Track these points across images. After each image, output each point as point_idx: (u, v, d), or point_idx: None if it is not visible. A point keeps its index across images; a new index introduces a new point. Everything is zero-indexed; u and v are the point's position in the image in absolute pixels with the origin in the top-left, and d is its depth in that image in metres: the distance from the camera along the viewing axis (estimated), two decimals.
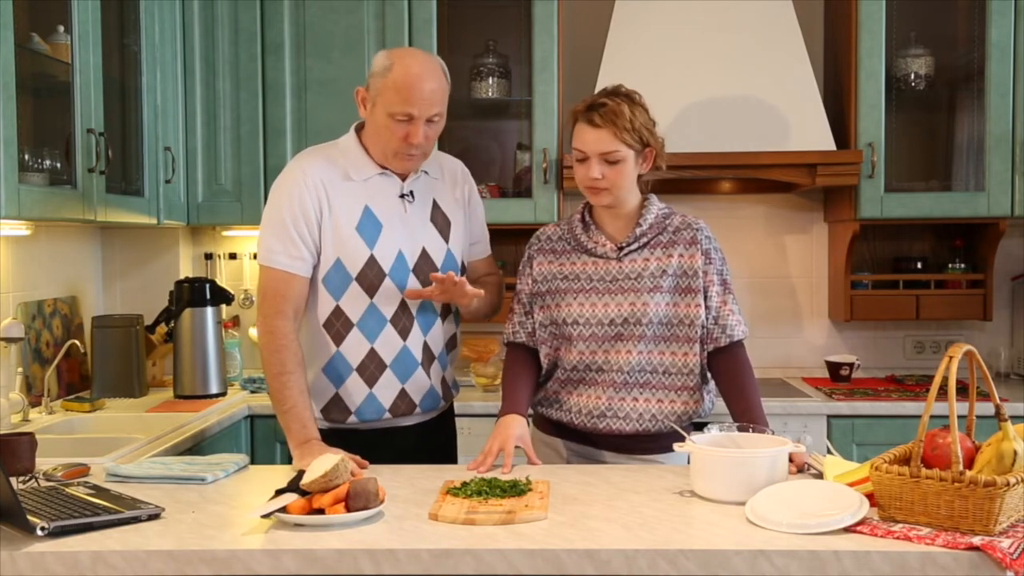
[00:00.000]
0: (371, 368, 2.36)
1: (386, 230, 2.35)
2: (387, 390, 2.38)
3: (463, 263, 2.51)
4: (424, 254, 2.40)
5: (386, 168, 2.38)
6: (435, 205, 2.46)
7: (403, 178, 2.40)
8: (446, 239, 2.45)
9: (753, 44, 3.52)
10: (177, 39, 3.48)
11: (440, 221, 2.45)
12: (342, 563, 1.64)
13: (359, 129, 2.42)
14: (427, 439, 2.49)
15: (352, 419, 2.37)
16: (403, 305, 2.37)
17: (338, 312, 2.34)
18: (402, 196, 2.39)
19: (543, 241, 2.46)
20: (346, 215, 2.32)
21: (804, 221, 3.92)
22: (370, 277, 2.32)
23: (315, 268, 2.33)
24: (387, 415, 2.39)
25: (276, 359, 2.27)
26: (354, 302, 2.33)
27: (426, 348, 2.42)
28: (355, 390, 2.36)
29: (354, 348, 2.35)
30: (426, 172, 2.45)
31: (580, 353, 2.35)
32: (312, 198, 2.30)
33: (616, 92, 2.32)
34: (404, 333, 2.37)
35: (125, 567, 1.64)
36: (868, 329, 3.89)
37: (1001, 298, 3.80)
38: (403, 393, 2.39)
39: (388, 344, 2.36)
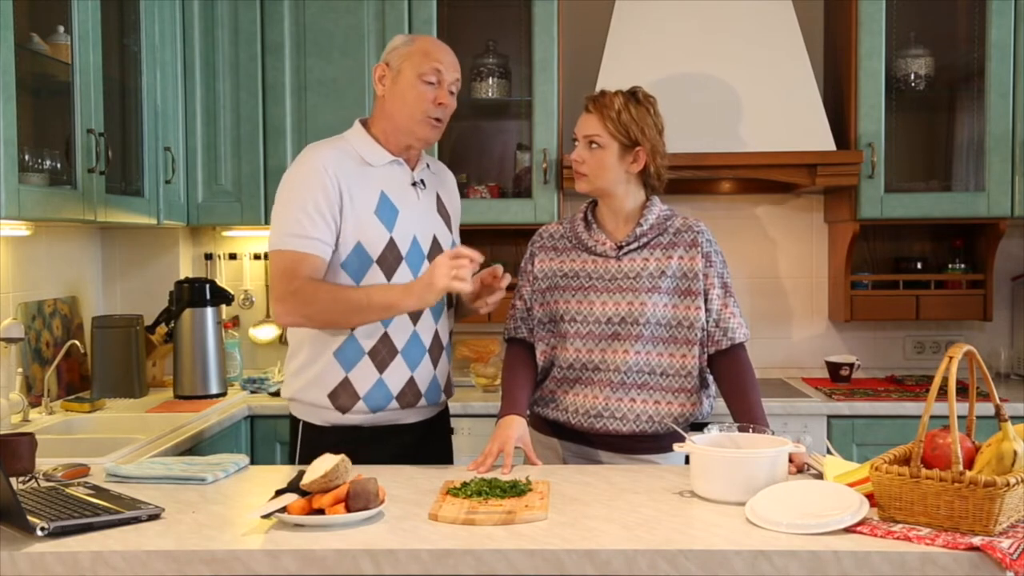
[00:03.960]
0: (383, 353, 2.36)
1: (402, 215, 2.37)
2: (396, 376, 2.37)
3: None
4: (435, 241, 2.43)
5: (397, 157, 2.41)
6: (438, 197, 2.51)
7: (412, 168, 2.44)
8: (450, 230, 2.51)
9: (753, 44, 3.52)
10: (177, 39, 3.48)
11: (444, 213, 2.51)
12: (342, 563, 1.65)
13: (364, 123, 2.45)
14: (425, 440, 2.49)
15: (359, 405, 2.36)
16: None
17: None
18: (413, 184, 2.42)
19: (545, 238, 2.48)
20: (364, 200, 2.33)
21: (804, 221, 3.92)
22: (389, 260, 2.34)
23: (334, 254, 2.32)
24: (394, 403, 2.38)
25: (322, 294, 2.25)
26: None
27: (436, 336, 2.43)
28: (365, 375, 2.36)
29: (368, 332, 2.34)
30: (427, 165, 2.50)
31: (576, 351, 2.36)
32: (332, 185, 2.30)
33: (626, 90, 2.38)
34: (414, 318, 2.38)
35: (125, 567, 1.64)
36: (868, 329, 3.89)
37: (1001, 298, 3.80)
38: (411, 381, 2.39)
39: (400, 329, 2.36)
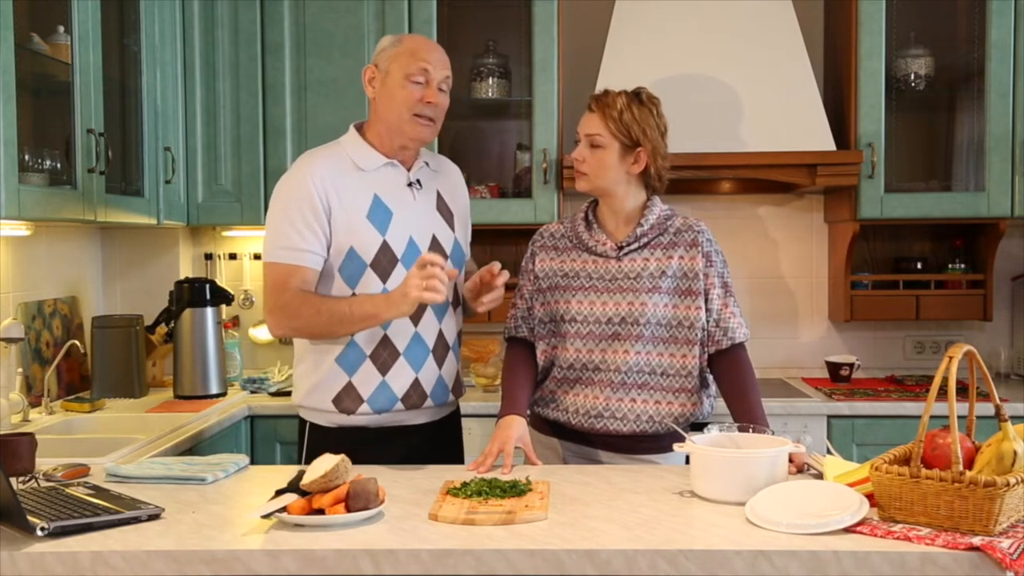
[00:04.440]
0: (384, 356, 2.36)
1: (396, 217, 2.36)
2: (400, 379, 2.37)
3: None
4: (435, 241, 2.43)
5: (392, 159, 2.40)
6: (439, 196, 2.49)
7: (408, 168, 2.43)
8: (452, 228, 2.49)
9: (753, 44, 3.52)
10: (177, 39, 3.48)
11: (445, 211, 2.49)
12: (342, 563, 1.65)
13: (359, 128, 2.45)
14: (435, 441, 2.48)
15: (364, 408, 2.36)
16: None
17: None
18: (410, 184, 2.42)
19: (546, 238, 2.48)
20: (355, 205, 2.34)
21: (804, 221, 3.92)
22: (383, 263, 2.34)
23: (329, 260, 2.34)
24: (399, 405, 2.38)
25: (305, 308, 2.27)
26: (368, 289, 2.34)
27: (440, 336, 2.43)
28: (368, 378, 2.36)
29: (368, 335, 2.35)
30: (427, 163, 2.49)
31: (577, 351, 2.36)
32: (320, 194, 2.31)
33: (629, 90, 2.38)
34: (416, 319, 2.38)
35: (125, 567, 1.64)
36: (868, 329, 3.89)
37: (1001, 298, 3.80)
38: (416, 383, 2.39)
39: (401, 331, 2.36)
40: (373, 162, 2.39)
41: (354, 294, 2.33)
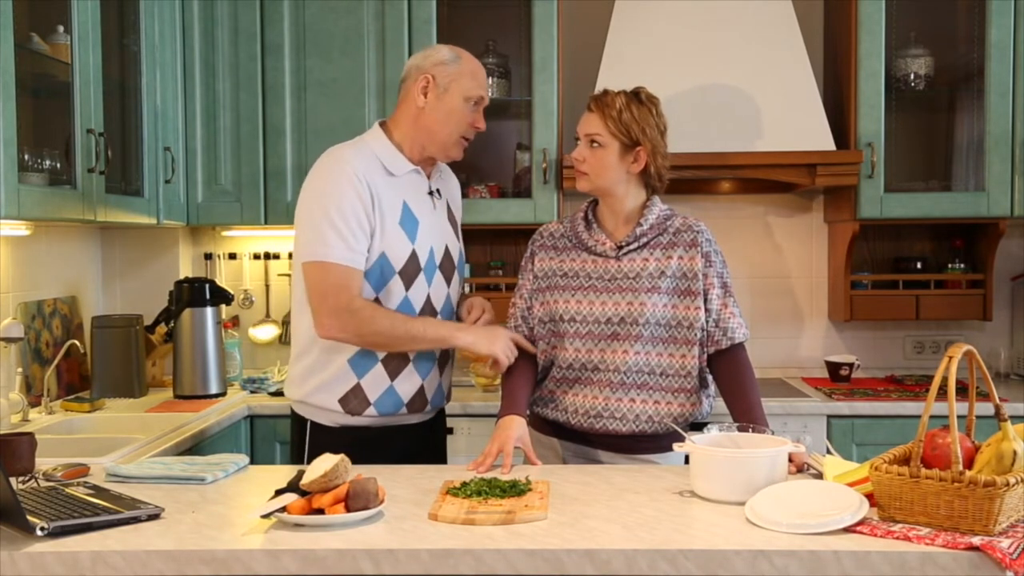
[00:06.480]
0: (395, 361, 2.37)
1: (421, 226, 2.38)
2: (407, 384, 2.39)
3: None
4: (447, 251, 2.46)
5: (417, 166, 2.41)
6: (448, 206, 2.53)
7: (428, 176, 2.45)
8: (458, 238, 2.54)
9: (753, 44, 3.52)
10: (177, 39, 3.48)
11: (452, 221, 2.53)
12: (342, 563, 1.65)
13: (383, 126, 2.45)
14: (425, 439, 2.51)
15: (370, 411, 2.38)
16: (428, 300, 2.40)
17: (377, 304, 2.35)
18: (430, 193, 2.44)
19: (545, 237, 2.48)
20: (390, 210, 2.34)
21: (804, 221, 3.92)
22: (409, 271, 2.35)
23: None
24: (404, 409, 2.40)
25: (381, 319, 2.28)
26: (391, 295, 2.35)
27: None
28: (377, 381, 2.37)
29: None
30: (439, 173, 2.52)
31: (576, 351, 2.36)
32: (364, 192, 2.30)
33: (629, 90, 2.38)
34: None
35: (125, 567, 1.64)
36: (868, 329, 3.89)
37: (1001, 298, 3.80)
38: (421, 390, 2.42)
39: None
40: (401, 167, 2.39)
41: (377, 298, 2.33)
